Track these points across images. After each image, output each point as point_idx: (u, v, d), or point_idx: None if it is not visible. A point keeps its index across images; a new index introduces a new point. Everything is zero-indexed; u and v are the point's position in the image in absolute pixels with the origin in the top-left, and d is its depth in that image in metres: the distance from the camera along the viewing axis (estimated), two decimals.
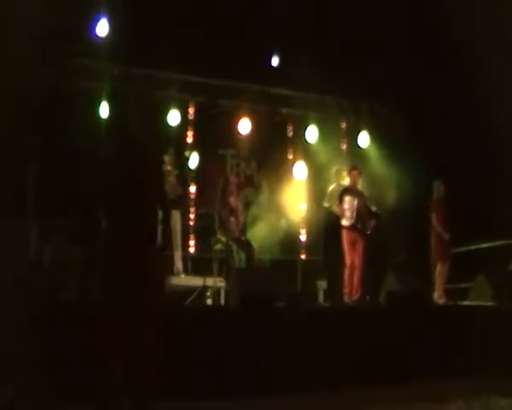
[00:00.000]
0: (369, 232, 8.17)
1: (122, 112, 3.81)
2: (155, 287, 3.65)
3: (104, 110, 9.18)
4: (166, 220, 3.90)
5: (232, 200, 8.30)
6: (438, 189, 8.72)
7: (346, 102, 11.28)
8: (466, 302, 8.14)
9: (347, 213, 8.08)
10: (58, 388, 4.43)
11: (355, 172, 8.34)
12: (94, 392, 3.59)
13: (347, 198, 8.12)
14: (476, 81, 8.92)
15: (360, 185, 8.45)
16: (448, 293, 8.54)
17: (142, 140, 3.83)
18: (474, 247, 9.34)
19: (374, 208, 8.40)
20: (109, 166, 3.73)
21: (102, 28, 9.21)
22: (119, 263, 3.56)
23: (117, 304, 3.57)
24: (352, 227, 8.07)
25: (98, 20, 9.16)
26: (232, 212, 8.22)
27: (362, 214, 8.11)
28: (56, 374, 4.57)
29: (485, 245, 9.31)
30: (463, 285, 8.74)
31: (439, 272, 8.58)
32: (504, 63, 8.34)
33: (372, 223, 8.23)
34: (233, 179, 8.85)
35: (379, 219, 8.38)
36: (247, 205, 8.29)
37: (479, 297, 7.99)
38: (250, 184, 10.75)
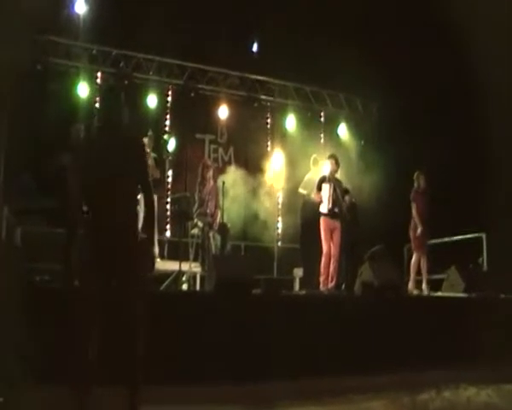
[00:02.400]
0: (346, 209, 8.13)
1: (117, 106, 3.75)
2: (136, 272, 3.61)
3: (82, 90, 9.04)
4: (151, 206, 3.88)
5: (211, 183, 8.31)
6: (418, 180, 8.78)
7: (325, 92, 11.31)
8: (438, 294, 8.26)
9: (325, 200, 8.10)
10: (31, 370, 4.36)
11: (333, 161, 8.34)
12: (67, 375, 3.55)
13: (325, 186, 8.14)
14: (455, 72, 9.01)
15: (339, 174, 8.47)
16: (427, 284, 8.63)
17: (129, 127, 3.81)
18: (446, 239, 9.45)
19: (350, 198, 8.40)
20: (91, 152, 3.69)
21: (81, 6, 9.05)
22: (99, 247, 3.54)
23: (92, 288, 3.53)
24: (329, 213, 8.08)
25: None
26: (211, 194, 8.24)
27: (339, 202, 8.14)
28: (30, 357, 4.50)
29: (457, 238, 9.44)
30: (437, 277, 8.85)
31: (414, 262, 8.70)
32: (485, 54, 8.38)
33: (347, 199, 8.22)
34: (210, 163, 8.84)
35: (352, 197, 8.38)
36: (224, 191, 8.24)
37: (451, 289, 8.10)
38: (227, 170, 10.72)
